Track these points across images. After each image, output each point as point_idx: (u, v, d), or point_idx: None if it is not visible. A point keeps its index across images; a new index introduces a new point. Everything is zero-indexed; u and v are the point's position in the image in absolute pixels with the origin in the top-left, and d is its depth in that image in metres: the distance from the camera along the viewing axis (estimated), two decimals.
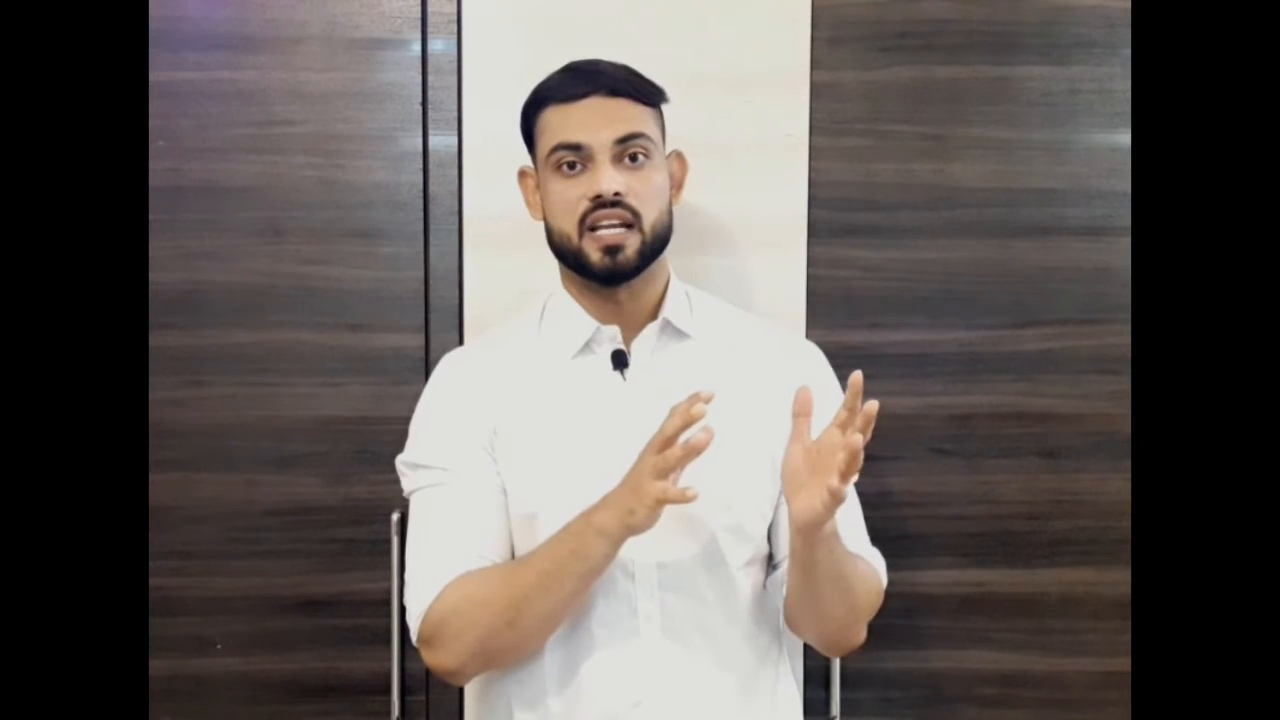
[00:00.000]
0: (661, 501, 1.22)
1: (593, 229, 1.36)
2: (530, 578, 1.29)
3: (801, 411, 1.27)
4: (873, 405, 1.20)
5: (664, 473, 1.22)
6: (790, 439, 1.27)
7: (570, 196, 1.36)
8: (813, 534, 1.25)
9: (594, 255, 1.36)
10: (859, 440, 1.19)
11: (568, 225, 1.37)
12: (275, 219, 1.70)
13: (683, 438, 1.21)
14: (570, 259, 1.39)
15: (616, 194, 1.34)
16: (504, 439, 1.39)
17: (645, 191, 1.36)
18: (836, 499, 1.20)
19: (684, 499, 1.22)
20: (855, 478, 1.22)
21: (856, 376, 1.23)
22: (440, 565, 1.34)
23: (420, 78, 1.69)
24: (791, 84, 1.68)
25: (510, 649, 1.34)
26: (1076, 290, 1.72)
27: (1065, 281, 1.72)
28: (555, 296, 1.46)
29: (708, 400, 1.22)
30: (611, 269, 1.36)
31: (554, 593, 1.29)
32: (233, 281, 1.70)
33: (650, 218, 1.37)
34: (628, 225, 1.35)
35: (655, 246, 1.38)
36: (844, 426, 1.23)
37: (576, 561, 1.27)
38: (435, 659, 1.34)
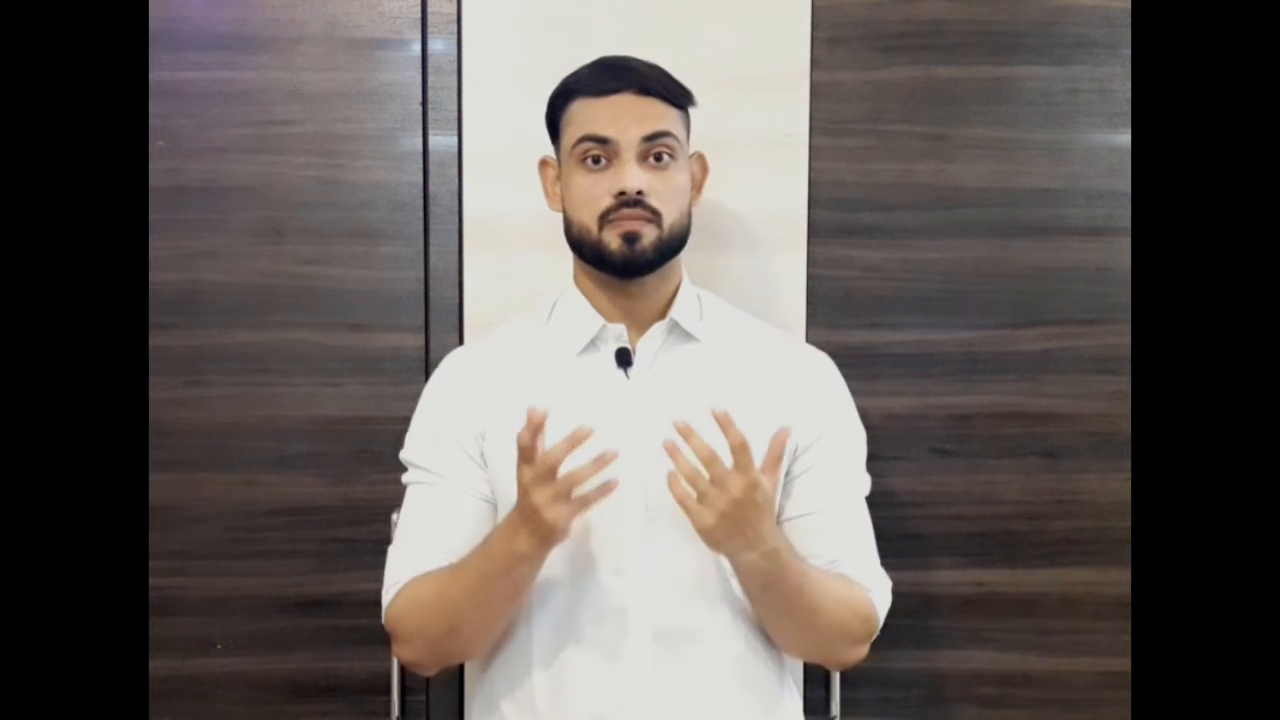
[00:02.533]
0: (560, 526, 1.25)
1: (614, 222, 1.36)
2: (461, 593, 1.33)
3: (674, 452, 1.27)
4: (737, 435, 1.22)
5: (553, 499, 1.23)
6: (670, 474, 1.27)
7: (594, 191, 1.37)
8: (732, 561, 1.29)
9: (613, 243, 1.36)
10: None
11: (588, 218, 1.37)
12: (275, 219, 1.70)
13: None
14: (588, 250, 1.39)
15: (639, 192, 1.35)
16: (497, 440, 1.39)
17: (667, 191, 1.37)
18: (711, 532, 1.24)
19: (584, 505, 1.24)
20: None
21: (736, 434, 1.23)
22: (406, 564, 1.39)
23: (420, 78, 1.69)
24: (791, 84, 1.68)
25: (459, 651, 1.41)
26: (1076, 290, 1.72)
27: (1065, 281, 1.72)
28: (566, 293, 1.46)
29: (585, 437, 1.23)
30: (628, 257, 1.36)
31: (485, 607, 1.34)
32: (233, 281, 1.70)
33: (670, 217, 1.37)
34: (647, 221, 1.36)
35: (672, 244, 1.39)
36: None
37: (503, 581, 1.31)
38: (398, 652, 1.42)
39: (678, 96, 1.41)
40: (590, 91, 1.39)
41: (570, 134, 1.39)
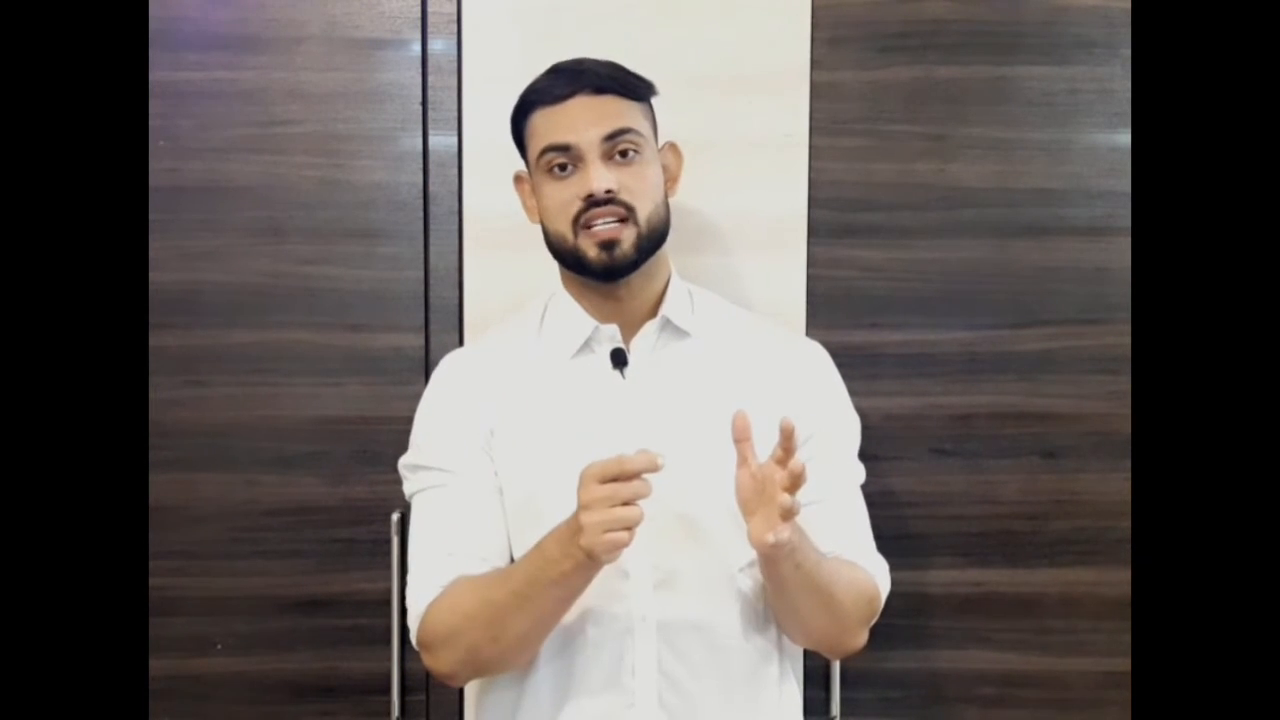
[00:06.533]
0: (598, 551, 1.21)
1: (588, 226, 1.36)
2: (507, 598, 1.29)
3: (741, 437, 1.26)
4: (798, 464, 1.20)
5: (611, 527, 1.19)
6: (736, 464, 1.26)
7: (563, 198, 1.36)
8: (772, 555, 1.26)
9: (591, 252, 1.36)
10: (789, 500, 1.19)
11: (562, 226, 1.37)
12: (275, 219, 1.70)
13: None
14: (568, 259, 1.39)
15: (608, 191, 1.34)
16: (502, 439, 1.39)
17: (638, 186, 1.36)
18: (778, 546, 1.21)
19: (617, 547, 1.20)
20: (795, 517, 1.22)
21: (786, 421, 1.21)
22: (437, 568, 1.35)
23: (420, 78, 1.69)
24: (791, 84, 1.68)
25: (498, 660, 1.34)
26: (1076, 290, 1.72)
27: (1065, 281, 1.72)
28: (556, 297, 1.46)
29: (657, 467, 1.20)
30: (609, 264, 1.36)
31: (531, 613, 1.29)
32: (233, 281, 1.70)
33: (645, 211, 1.37)
34: (622, 220, 1.35)
35: (652, 240, 1.38)
36: (780, 463, 1.22)
37: (555, 587, 1.27)
38: (431, 663, 1.36)
39: (635, 90, 1.39)
40: (546, 100, 1.38)
41: (534, 146, 1.39)
